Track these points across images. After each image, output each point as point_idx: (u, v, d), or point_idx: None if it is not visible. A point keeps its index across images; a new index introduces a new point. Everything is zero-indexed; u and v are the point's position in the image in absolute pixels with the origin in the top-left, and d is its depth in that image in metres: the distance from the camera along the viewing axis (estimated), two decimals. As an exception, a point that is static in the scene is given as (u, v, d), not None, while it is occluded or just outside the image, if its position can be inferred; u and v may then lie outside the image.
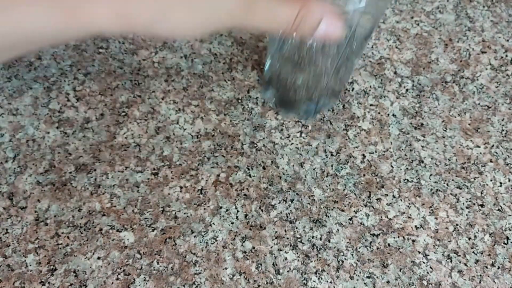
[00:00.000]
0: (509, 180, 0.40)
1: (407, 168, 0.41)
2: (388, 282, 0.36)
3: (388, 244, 0.37)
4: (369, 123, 0.43)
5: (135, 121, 0.42)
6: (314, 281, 0.35)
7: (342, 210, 0.38)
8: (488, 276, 0.36)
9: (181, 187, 0.39)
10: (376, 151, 0.41)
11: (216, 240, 0.37)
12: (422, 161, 0.41)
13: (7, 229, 0.36)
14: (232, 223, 0.38)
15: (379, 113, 0.43)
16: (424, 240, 0.37)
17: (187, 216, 0.38)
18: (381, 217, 0.38)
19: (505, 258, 0.37)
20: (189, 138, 0.41)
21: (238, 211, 0.38)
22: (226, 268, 0.36)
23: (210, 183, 0.39)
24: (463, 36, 0.48)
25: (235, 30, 0.47)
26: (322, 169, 0.40)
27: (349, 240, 0.37)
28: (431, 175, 0.40)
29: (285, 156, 0.41)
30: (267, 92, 0.43)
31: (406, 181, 0.40)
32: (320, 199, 0.39)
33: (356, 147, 0.42)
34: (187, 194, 0.39)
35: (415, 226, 0.38)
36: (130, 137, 0.41)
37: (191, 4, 0.23)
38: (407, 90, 0.45)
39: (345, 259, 0.36)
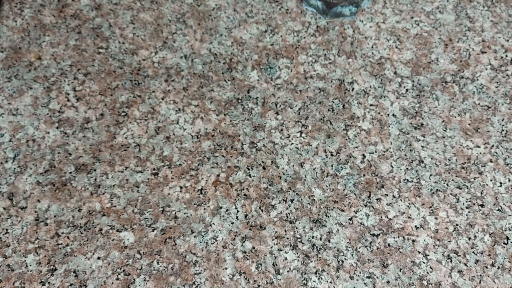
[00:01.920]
0: (509, 180, 0.40)
1: (407, 168, 0.41)
2: (388, 282, 0.36)
3: (388, 244, 0.37)
4: (369, 123, 0.43)
5: (135, 121, 0.42)
6: (314, 281, 0.35)
7: (342, 210, 0.38)
8: (488, 276, 0.36)
9: (181, 187, 0.39)
10: (376, 151, 0.41)
11: (216, 240, 0.37)
12: (422, 161, 0.41)
13: (7, 229, 0.36)
14: (232, 223, 0.38)
15: (379, 113, 0.43)
16: (424, 240, 0.37)
17: (187, 216, 0.38)
18: (381, 217, 0.38)
19: (505, 258, 0.37)
20: (189, 138, 0.41)
21: (238, 211, 0.38)
22: (226, 268, 0.36)
23: (210, 183, 0.39)
24: (463, 36, 0.48)
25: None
26: (322, 169, 0.40)
27: (349, 240, 0.37)
28: (431, 175, 0.40)
29: (285, 156, 0.41)
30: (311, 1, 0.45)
31: (406, 181, 0.40)
32: (320, 199, 0.39)
33: (356, 147, 0.42)
34: (187, 194, 0.39)
35: (415, 226, 0.38)
36: (130, 137, 0.41)
37: None
38: (407, 90, 0.45)
39: (345, 259, 0.36)
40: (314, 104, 0.44)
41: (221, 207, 0.38)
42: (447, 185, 0.40)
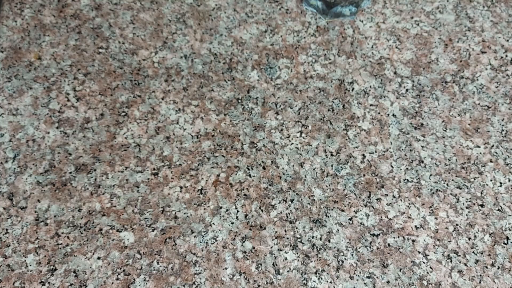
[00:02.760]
0: (509, 180, 0.40)
1: (407, 168, 0.41)
2: (388, 282, 0.36)
3: (388, 244, 0.37)
4: (369, 123, 0.43)
5: (135, 121, 0.42)
6: (314, 281, 0.35)
7: (342, 210, 0.38)
8: (488, 276, 0.36)
9: (181, 187, 0.39)
10: (376, 151, 0.41)
11: (216, 240, 0.37)
12: (422, 161, 0.41)
13: (7, 229, 0.36)
14: (232, 223, 0.38)
15: (379, 113, 0.43)
16: (424, 240, 0.37)
17: (187, 216, 0.38)
18: (381, 217, 0.38)
19: (505, 258, 0.37)
20: (189, 138, 0.41)
21: (238, 211, 0.38)
22: (226, 268, 0.36)
23: (210, 183, 0.39)
24: (463, 36, 0.48)
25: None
26: (322, 169, 0.40)
27: (349, 240, 0.37)
28: (431, 175, 0.40)
29: (285, 156, 0.41)
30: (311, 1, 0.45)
31: (406, 181, 0.40)
32: (320, 199, 0.39)
33: (356, 147, 0.42)
34: (187, 194, 0.39)
35: (415, 226, 0.38)
36: (130, 137, 0.41)
37: None
38: (407, 90, 0.45)
39: (345, 259, 0.36)
40: (314, 104, 0.44)
41: (221, 207, 0.38)
42: (447, 185, 0.40)
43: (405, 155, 0.41)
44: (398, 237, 0.37)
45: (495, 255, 0.37)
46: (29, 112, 0.41)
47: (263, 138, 0.42)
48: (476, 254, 0.37)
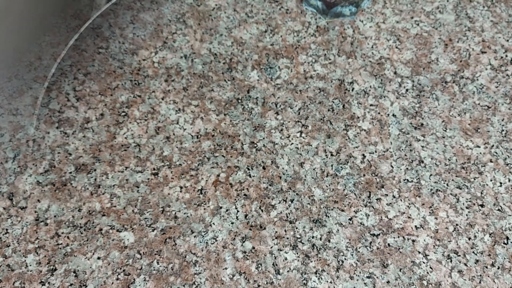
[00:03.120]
0: (509, 180, 0.40)
1: (407, 168, 0.41)
2: (388, 282, 0.36)
3: (388, 244, 0.37)
4: (369, 123, 0.43)
5: (135, 121, 0.42)
6: (314, 281, 0.35)
7: (342, 210, 0.38)
8: (488, 276, 0.36)
9: (181, 187, 0.39)
10: (376, 151, 0.41)
11: (216, 240, 0.37)
12: (422, 161, 0.41)
13: (7, 229, 0.36)
14: (232, 223, 0.38)
15: (379, 113, 0.43)
16: (424, 240, 0.37)
17: (187, 216, 0.38)
18: (381, 217, 0.38)
19: (505, 258, 0.37)
20: (189, 138, 0.41)
21: (238, 211, 0.38)
22: (226, 268, 0.36)
23: (210, 183, 0.39)
24: (463, 36, 0.48)
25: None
26: (322, 169, 0.40)
27: (349, 240, 0.37)
28: (431, 175, 0.40)
29: (285, 156, 0.41)
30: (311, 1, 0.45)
31: (406, 181, 0.40)
32: (320, 199, 0.39)
33: (356, 147, 0.42)
34: (187, 194, 0.39)
35: (415, 226, 0.38)
36: (130, 137, 0.41)
37: None
38: (407, 90, 0.45)
39: (345, 259, 0.36)
40: (314, 104, 0.44)
41: (221, 207, 0.38)
42: (447, 185, 0.40)
43: (405, 155, 0.41)
44: (398, 237, 0.37)
45: (495, 255, 0.37)
46: (29, 112, 0.41)
47: (263, 138, 0.42)
48: (476, 254, 0.37)
